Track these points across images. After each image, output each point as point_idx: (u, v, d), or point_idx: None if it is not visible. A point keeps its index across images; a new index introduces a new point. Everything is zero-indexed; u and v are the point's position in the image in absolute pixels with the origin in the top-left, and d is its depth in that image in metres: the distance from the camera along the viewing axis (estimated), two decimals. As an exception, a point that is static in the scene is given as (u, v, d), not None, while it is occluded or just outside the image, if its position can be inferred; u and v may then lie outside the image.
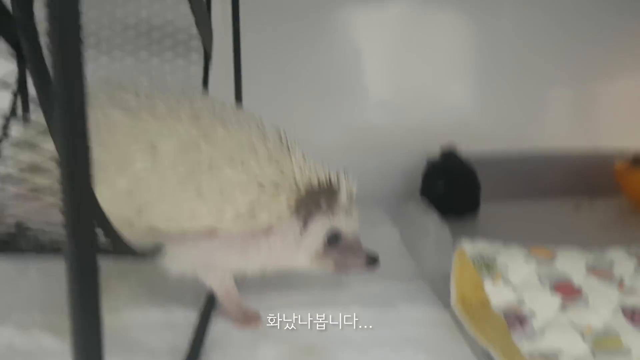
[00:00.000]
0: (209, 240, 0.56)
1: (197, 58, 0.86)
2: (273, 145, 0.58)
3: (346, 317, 0.65)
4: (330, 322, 0.64)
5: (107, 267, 0.74)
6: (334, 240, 0.59)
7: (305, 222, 0.58)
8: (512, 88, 1.23)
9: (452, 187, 1.09)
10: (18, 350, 0.57)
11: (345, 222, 0.60)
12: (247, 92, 0.91)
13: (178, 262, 0.59)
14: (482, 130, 1.23)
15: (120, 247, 0.47)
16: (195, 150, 0.55)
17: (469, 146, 1.15)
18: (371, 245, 0.87)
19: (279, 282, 0.71)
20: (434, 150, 1.14)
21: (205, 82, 0.86)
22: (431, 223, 0.96)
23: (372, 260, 0.62)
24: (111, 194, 0.54)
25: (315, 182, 0.58)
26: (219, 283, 0.63)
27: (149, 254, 0.56)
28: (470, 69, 1.24)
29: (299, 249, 0.59)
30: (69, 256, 0.26)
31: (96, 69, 0.76)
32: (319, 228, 0.58)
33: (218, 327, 0.63)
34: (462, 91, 1.25)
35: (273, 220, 0.56)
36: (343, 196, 0.59)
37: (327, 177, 0.58)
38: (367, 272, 0.62)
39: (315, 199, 0.57)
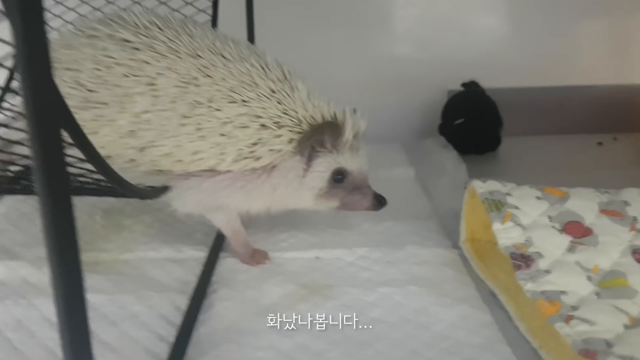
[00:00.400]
0: (212, 180, 0.56)
1: (207, 5, 0.83)
2: (276, 81, 0.56)
3: (353, 257, 0.65)
4: (336, 261, 0.64)
5: (121, 207, 0.76)
6: (339, 178, 0.58)
7: (308, 160, 0.56)
8: (543, 20, 1.16)
9: (472, 123, 1.05)
10: (32, 284, 0.59)
11: (351, 160, 0.58)
12: (260, 22, 0.87)
13: (184, 202, 0.60)
14: (509, 65, 1.16)
15: (121, 187, 0.47)
16: (194, 88, 0.54)
17: (494, 82, 1.10)
18: (385, 183, 0.85)
19: (288, 223, 0.71)
20: (457, 87, 1.11)
21: (214, 22, 0.84)
22: (448, 160, 0.94)
23: (379, 200, 0.60)
24: (114, 134, 0.54)
25: (319, 119, 0.56)
26: (226, 222, 0.64)
27: (152, 194, 0.57)
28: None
29: (302, 188, 0.57)
30: (40, 190, 0.25)
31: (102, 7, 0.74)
32: (324, 166, 0.57)
33: (226, 265, 0.64)
34: (490, 23, 1.18)
35: (275, 159, 0.55)
36: (349, 133, 0.57)
37: (332, 113, 0.56)
38: (373, 212, 0.61)
39: (319, 136, 0.55)
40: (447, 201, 0.79)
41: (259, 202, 0.59)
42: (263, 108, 0.54)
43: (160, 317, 0.55)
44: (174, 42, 0.56)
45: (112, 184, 0.42)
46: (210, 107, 0.53)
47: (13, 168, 0.55)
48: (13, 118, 0.60)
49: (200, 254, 0.66)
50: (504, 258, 0.59)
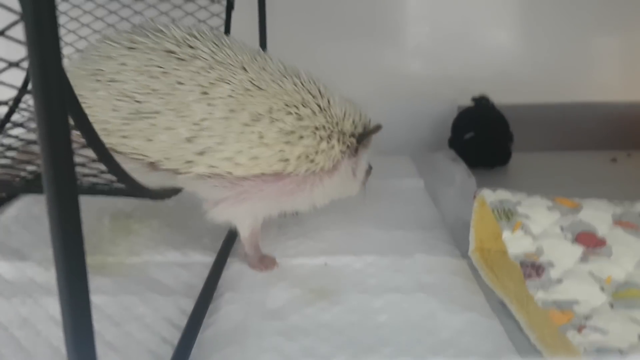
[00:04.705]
0: (277, 184, 0.58)
1: (220, 10, 0.84)
2: (317, 97, 0.60)
3: (361, 264, 0.65)
4: (345, 268, 0.64)
5: (130, 212, 0.76)
6: (370, 168, 0.68)
7: (357, 161, 0.64)
8: (555, 36, 1.16)
9: (482, 137, 1.05)
10: (38, 284, 0.59)
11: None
12: (272, 32, 0.88)
13: (235, 210, 0.60)
14: (521, 81, 1.16)
15: (130, 187, 0.47)
16: (251, 98, 0.56)
17: (506, 98, 1.10)
18: (395, 193, 0.87)
19: (297, 229, 0.72)
20: (467, 102, 1.10)
21: (227, 29, 0.84)
22: (457, 173, 0.93)
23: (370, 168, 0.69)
24: (171, 140, 0.55)
25: (359, 128, 0.63)
26: (250, 226, 0.64)
27: (162, 194, 0.57)
28: (512, 14, 1.17)
29: (355, 180, 0.65)
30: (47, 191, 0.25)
31: (115, 23, 0.76)
32: (365, 159, 0.66)
33: (234, 269, 0.64)
34: (502, 39, 1.18)
35: (328, 164, 0.60)
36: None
37: (365, 120, 0.64)
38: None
39: (364, 142, 0.63)
40: (456, 212, 0.78)
41: (319, 200, 0.64)
42: (319, 122, 0.59)
43: (164, 319, 0.54)
44: (218, 54, 0.58)
45: (117, 177, 0.42)
46: (271, 117, 0.57)
47: (30, 168, 0.56)
48: (30, 118, 0.60)
49: (207, 259, 0.65)
50: (514, 267, 0.58)
